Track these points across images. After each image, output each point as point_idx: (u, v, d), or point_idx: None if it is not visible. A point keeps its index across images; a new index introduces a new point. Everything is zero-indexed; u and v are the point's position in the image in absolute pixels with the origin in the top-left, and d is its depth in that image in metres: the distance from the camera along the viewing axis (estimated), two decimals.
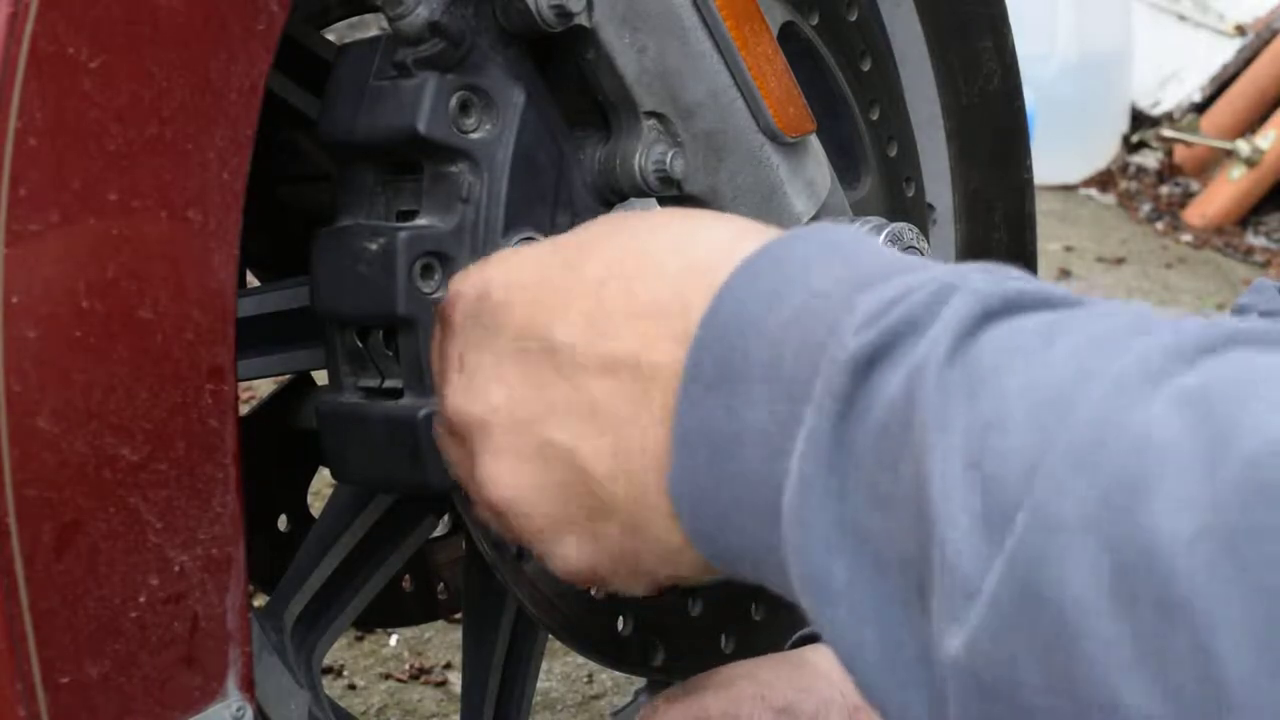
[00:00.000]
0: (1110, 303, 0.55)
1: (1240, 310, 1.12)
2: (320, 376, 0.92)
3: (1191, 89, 4.19)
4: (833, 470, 0.55)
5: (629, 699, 1.30)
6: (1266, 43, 4.09)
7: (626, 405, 0.64)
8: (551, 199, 0.87)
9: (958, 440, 0.51)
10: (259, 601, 0.99)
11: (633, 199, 0.90)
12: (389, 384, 0.84)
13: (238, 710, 0.75)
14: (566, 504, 0.67)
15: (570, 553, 0.68)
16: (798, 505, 0.55)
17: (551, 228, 0.86)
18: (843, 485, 0.55)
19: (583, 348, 0.65)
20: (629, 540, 0.65)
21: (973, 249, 1.34)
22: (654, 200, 0.90)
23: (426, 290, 0.82)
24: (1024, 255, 1.38)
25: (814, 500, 0.55)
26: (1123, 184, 4.09)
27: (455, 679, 1.78)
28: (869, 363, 0.54)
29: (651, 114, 0.89)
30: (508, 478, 0.68)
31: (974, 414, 0.51)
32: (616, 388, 0.64)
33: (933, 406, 0.52)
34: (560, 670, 1.80)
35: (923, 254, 0.99)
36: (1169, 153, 4.13)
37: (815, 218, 0.98)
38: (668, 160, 0.89)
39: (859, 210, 1.05)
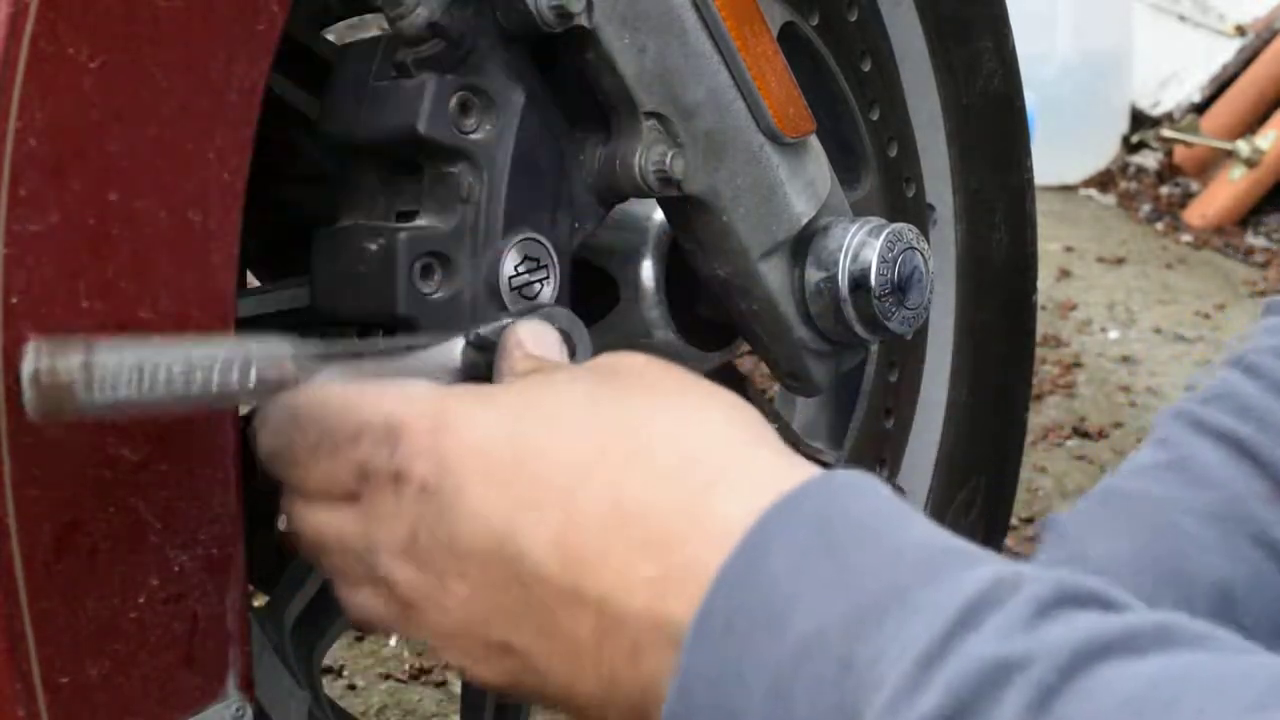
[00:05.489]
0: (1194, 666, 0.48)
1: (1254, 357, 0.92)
2: None
3: (1191, 89, 4.19)
4: None
5: None
6: (1266, 43, 4.09)
7: (591, 637, 0.60)
8: (551, 199, 0.87)
9: None
10: (259, 601, 0.99)
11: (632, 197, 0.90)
12: None
13: (238, 710, 0.75)
14: (516, 681, 0.64)
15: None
16: None
17: (552, 228, 0.86)
18: None
19: (549, 568, 0.61)
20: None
21: (973, 249, 1.34)
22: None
23: (426, 290, 0.82)
24: (1024, 255, 1.38)
25: None
26: (1123, 184, 4.09)
27: (455, 679, 1.77)
28: None
29: (651, 114, 0.89)
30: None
31: None
32: (582, 619, 0.60)
33: None
34: None
35: (923, 254, 0.99)
36: (1169, 153, 4.13)
37: (815, 217, 0.98)
38: (668, 160, 0.89)
39: (859, 210, 1.04)
